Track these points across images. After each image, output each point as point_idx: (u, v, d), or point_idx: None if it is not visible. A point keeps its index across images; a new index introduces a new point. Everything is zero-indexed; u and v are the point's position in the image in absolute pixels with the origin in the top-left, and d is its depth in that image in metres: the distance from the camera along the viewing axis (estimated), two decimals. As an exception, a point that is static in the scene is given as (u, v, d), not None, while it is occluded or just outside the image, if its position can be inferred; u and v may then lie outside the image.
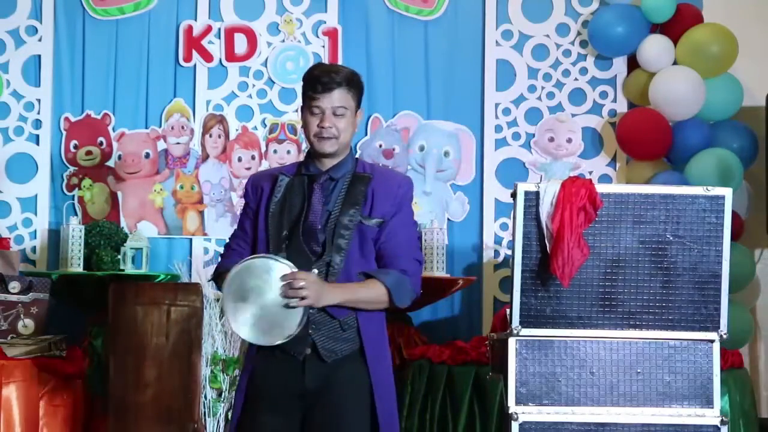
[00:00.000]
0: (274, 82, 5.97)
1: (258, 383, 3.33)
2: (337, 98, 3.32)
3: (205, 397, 5.45)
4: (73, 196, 5.85)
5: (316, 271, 3.19)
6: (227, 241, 3.51)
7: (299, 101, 6.02)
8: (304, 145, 5.89)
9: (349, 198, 3.30)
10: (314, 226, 3.28)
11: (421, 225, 5.85)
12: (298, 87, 6.05)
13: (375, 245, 3.31)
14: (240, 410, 3.35)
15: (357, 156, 3.66)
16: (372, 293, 3.26)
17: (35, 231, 5.84)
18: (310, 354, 3.25)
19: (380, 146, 5.95)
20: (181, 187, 5.89)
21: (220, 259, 3.55)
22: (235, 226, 3.55)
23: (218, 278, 3.44)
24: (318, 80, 3.30)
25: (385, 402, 3.28)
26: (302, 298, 3.13)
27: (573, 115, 6.02)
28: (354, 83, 3.37)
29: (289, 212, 3.33)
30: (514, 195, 3.55)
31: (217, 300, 5.75)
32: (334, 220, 3.28)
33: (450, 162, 5.99)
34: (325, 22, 6.00)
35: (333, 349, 3.26)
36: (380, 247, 3.31)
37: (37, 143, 5.87)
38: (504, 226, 5.94)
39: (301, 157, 3.88)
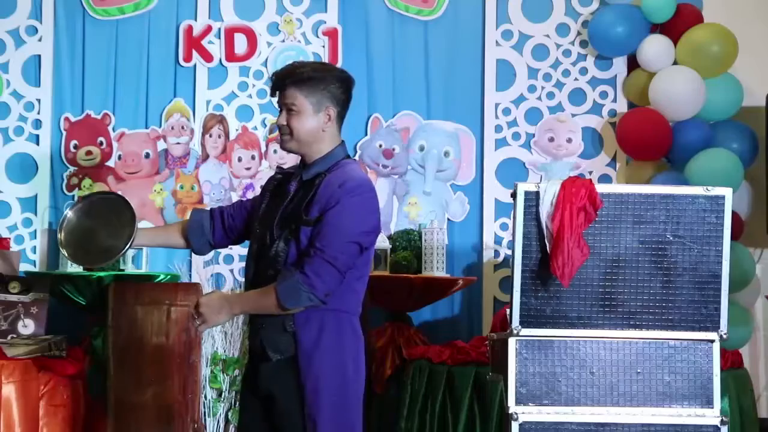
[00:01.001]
0: (274, 83, 5.97)
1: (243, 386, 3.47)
2: (286, 96, 3.32)
3: (205, 397, 5.45)
4: (73, 196, 5.85)
5: (212, 289, 3.28)
6: None
7: (299, 101, 6.04)
8: (304, 145, 5.90)
9: (302, 200, 3.30)
10: (269, 227, 3.32)
11: (421, 225, 5.86)
12: (298, 87, 6.07)
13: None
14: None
15: (355, 158, 3.65)
16: (267, 301, 3.25)
17: (35, 231, 5.84)
18: (261, 353, 3.32)
19: (380, 146, 5.95)
20: (181, 187, 5.88)
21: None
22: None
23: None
24: (272, 80, 3.38)
25: (315, 406, 3.24)
26: (200, 324, 3.31)
27: (573, 115, 6.02)
28: (305, 80, 3.31)
29: (266, 208, 3.41)
30: (514, 195, 3.55)
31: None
32: (283, 215, 3.30)
33: (450, 162, 5.99)
34: (325, 22, 5.99)
35: (277, 349, 3.29)
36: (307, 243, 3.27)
37: (37, 143, 5.87)
38: (504, 226, 5.94)
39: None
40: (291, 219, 3.29)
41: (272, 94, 3.41)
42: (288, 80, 3.32)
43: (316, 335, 3.27)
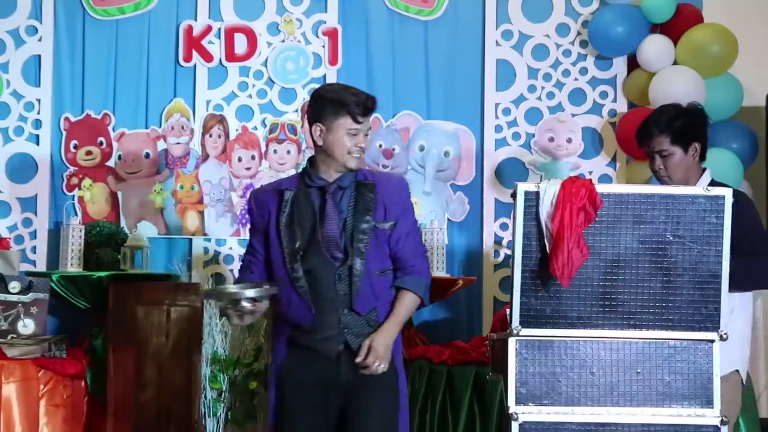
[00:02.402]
0: (274, 82, 5.97)
1: (293, 380, 3.66)
2: (368, 122, 3.70)
3: (205, 397, 5.45)
4: (73, 196, 5.85)
5: (367, 343, 3.61)
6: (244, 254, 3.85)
7: (299, 101, 6.07)
8: (305, 146, 5.91)
9: (360, 205, 3.63)
10: (332, 234, 3.61)
11: (421, 225, 5.85)
12: (299, 87, 6.12)
13: (388, 246, 3.66)
14: (275, 410, 3.69)
15: None
16: (410, 308, 3.75)
17: (35, 231, 5.84)
18: (342, 350, 3.62)
19: (380, 146, 5.95)
20: (181, 187, 5.88)
21: (239, 271, 3.88)
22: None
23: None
24: (365, 105, 3.65)
25: (401, 381, 3.73)
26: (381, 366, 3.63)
27: (573, 115, 6.02)
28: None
29: (299, 224, 3.62)
30: (514, 195, 3.55)
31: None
32: (350, 227, 3.61)
33: (450, 162, 5.99)
34: (325, 22, 6.00)
35: (362, 343, 3.62)
36: (395, 249, 3.67)
37: (37, 143, 5.87)
38: (504, 226, 5.94)
39: (302, 163, 4.02)
40: (358, 231, 3.62)
41: (357, 116, 3.66)
42: (375, 110, 3.73)
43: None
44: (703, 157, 4.16)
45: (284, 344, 3.71)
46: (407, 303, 3.71)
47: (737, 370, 3.96)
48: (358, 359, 3.57)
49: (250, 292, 3.50)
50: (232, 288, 3.64)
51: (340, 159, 3.63)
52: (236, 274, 5.81)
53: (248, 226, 3.87)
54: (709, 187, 3.57)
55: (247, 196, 5.74)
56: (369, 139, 3.72)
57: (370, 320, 3.65)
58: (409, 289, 3.70)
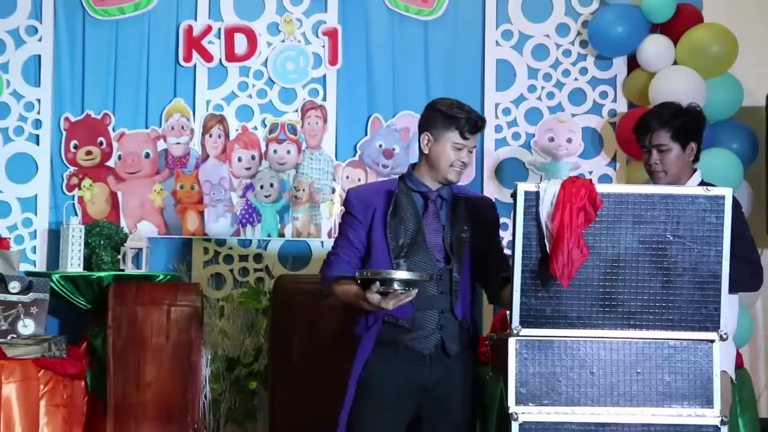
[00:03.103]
0: (274, 82, 5.97)
1: (377, 378, 3.75)
2: (476, 139, 3.87)
3: (205, 397, 5.45)
4: (73, 196, 5.85)
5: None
6: (332, 250, 3.90)
7: (299, 101, 6.07)
8: (305, 146, 5.91)
9: (457, 217, 3.83)
10: (434, 237, 3.80)
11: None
12: (299, 87, 6.12)
13: (479, 255, 3.85)
14: (353, 401, 3.77)
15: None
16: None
17: (35, 231, 5.84)
18: (434, 351, 3.77)
19: (380, 146, 5.95)
20: (181, 187, 5.88)
21: (329, 265, 3.88)
22: (337, 237, 3.95)
23: (327, 280, 3.86)
24: (474, 123, 3.81)
25: (473, 390, 3.92)
26: None
27: (573, 115, 6.02)
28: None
29: (402, 224, 3.78)
30: (514, 195, 3.55)
31: (218, 300, 5.76)
32: (449, 235, 3.81)
33: (450, 162, 5.98)
34: (325, 22, 5.99)
35: (454, 345, 3.80)
36: (490, 258, 3.87)
37: (37, 143, 5.87)
38: (504, 226, 5.93)
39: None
40: (457, 240, 3.81)
41: (465, 133, 3.82)
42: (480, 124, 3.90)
43: (476, 328, 3.97)
44: (696, 159, 4.19)
45: (373, 340, 3.78)
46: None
47: (725, 371, 3.95)
48: None
49: (405, 275, 3.57)
50: (389, 270, 3.64)
51: (443, 170, 3.81)
52: (237, 275, 5.87)
53: (342, 222, 3.93)
54: (709, 187, 3.57)
55: (248, 196, 5.80)
56: (473, 157, 3.93)
57: (463, 325, 3.84)
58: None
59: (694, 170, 4.19)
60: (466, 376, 3.88)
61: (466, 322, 3.87)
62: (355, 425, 3.74)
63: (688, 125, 4.15)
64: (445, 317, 3.79)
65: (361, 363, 3.78)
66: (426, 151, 3.84)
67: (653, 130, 4.14)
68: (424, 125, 3.86)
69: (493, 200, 4.11)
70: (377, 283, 3.53)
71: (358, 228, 3.83)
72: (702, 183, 4.07)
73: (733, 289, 3.69)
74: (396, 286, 3.53)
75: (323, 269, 3.88)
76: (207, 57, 5.92)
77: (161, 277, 5.49)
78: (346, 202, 3.91)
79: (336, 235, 4.03)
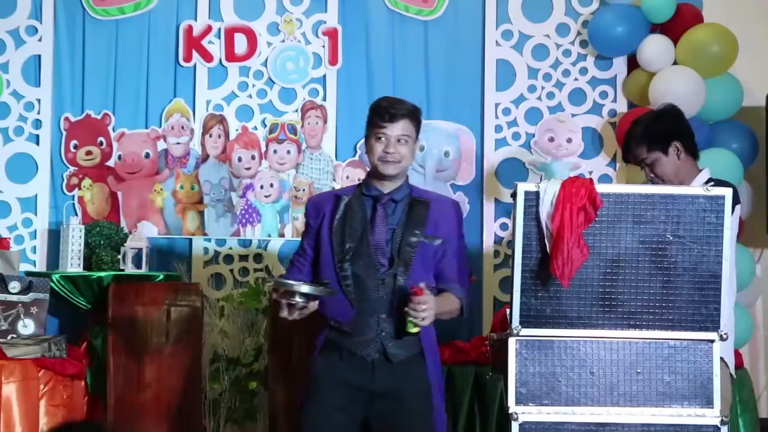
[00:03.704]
0: (274, 82, 5.97)
1: (322, 381, 3.73)
2: (400, 128, 3.75)
3: (205, 397, 5.45)
4: (73, 196, 5.85)
5: (423, 285, 3.59)
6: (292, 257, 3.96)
7: (299, 101, 6.08)
8: (305, 146, 5.91)
9: (412, 219, 3.75)
10: (380, 241, 3.73)
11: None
12: (299, 87, 6.12)
13: (434, 261, 3.76)
14: (307, 399, 3.76)
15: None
16: (453, 306, 3.76)
17: (35, 231, 5.84)
18: (378, 357, 3.69)
19: (380, 146, 5.94)
20: (181, 187, 5.88)
21: (286, 272, 3.99)
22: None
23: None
24: (386, 111, 3.75)
25: (438, 398, 3.76)
26: (423, 319, 3.59)
27: (573, 115, 6.02)
28: (416, 116, 3.81)
29: (350, 228, 3.75)
30: (514, 195, 3.55)
31: (218, 300, 5.76)
32: (399, 238, 3.73)
33: (450, 162, 5.99)
34: (325, 22, 5.99)
35: (398, 351, 3.70)
36: (441, 266, 3.77)
37: (37, 143, 5.87)
38: (504, 226, 5.94)
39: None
40: (406, 243, 3.72)
41: (381, 122, 3.76)
42: (404, 110, 3.78)
43: (433, 334, 3.81)
44: (692, 154, 4.17)
45: (321, 344, 3.78)
46: (449, 299, 3.76)
47: (722, 358, 3.92)
48: (414, 300, 3.57)
49: (306, 288, 3.58)
50: (290, 282, 3.65)
51: (376, 165, 3.77)
52: (237, 275, 5.87)
53: (302, 230, 4.01)
54: (709, 187, 3.57)
55: (248, 196, 5.80)
56: (413, 149, 3.79)
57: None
58: (450, 291, 3.78)
59: (700, 169, 4.18)
60: (418, 386, 3.73)
61: None
62: (303, 425, 3.75)
63: (657, 131, 4.17)
64: (385, 322, 3.70)
65: (312, 365, 3.79)
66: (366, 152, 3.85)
67: (631, 151, 4.21)
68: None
69: (458, 203, 3.98)
70: (282, 292, 3.59)
71: (311, 235, 3.85)
72: (710, 180, 4.06)
73: None
74: (298, 298, 3.57)
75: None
76: (207, 57, 5.92)
77: (161, 277, 5.49)
78: (305, 210, 3.95)
79: None
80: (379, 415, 3.70)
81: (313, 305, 3.63)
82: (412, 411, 3.68)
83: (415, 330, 3.63)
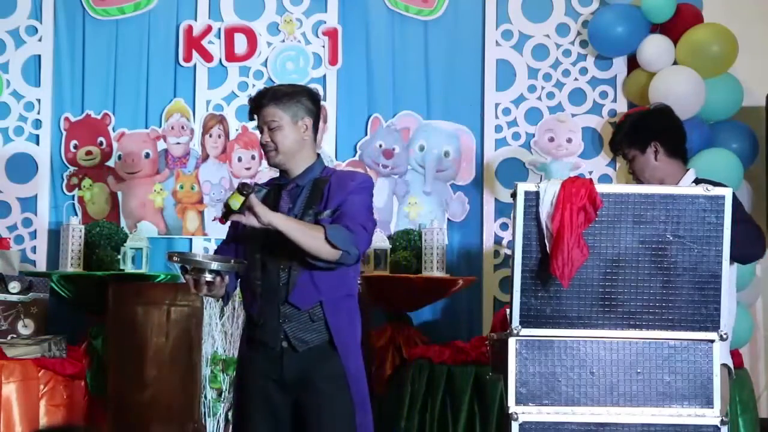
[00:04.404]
0: (274, 82, 5.96)
1: (243, 372, 3.67)
2: (266, 116, 3.63)
3: (205, 397, 5.45)
4: (73, 196, 5.85)
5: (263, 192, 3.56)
6: None
7: (299, 101, 6.03)
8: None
9: (311, 200, 3.63)
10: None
11: (421, 225, 5.86)
12: (298, 87, 6.07)
13: None
14: (235, 406, 3.69)
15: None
16: (314, 230, 3.49)
17: (35, 231, 5.84)
18: (286, 346, 3.56)
19: (380, 146, 5.95)
20: (181, 187, 5.89)
21: None
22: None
23: None
24: (250, 105, 3.69)
25: (358, 389, 3.58)
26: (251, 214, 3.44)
27: (573, 115, 6.02)
28: (277, 96, 3.64)
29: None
30: (514, 195, 3.54)
31: (218, 300, 5.75)
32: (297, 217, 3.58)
33: (450, 162, 5.99)
34: (325, 22, 6.00)
35: (304, 339, 3.56)
36: (335, 219, 3.57)
37: (37, 143, 5.87)
38: (504, 226, 5.94)
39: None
40: (304, 217, 3.58)
41: (251, 118, 3.70)
42: (265, 99, 3.63)
43: (348, 321, 3.60)
44: (677, 155, 4.15)
45: (243, 334, 3.76)
46: (312, 227, 3.52)
47: (725, 364, 3.93)
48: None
49: (214, 265, 3.47)
50: (199, 257, 3.58)
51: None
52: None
53: None
54: (709, 187, 3.57)
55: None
56: (295, 130, 3.61)
57: (314, 316, 3.56)
58: (324, 226, 3.53)
59: (687, 170, 4.18)
60: (327, 373, 3.56)
61: (321, 313, 3.57)
62: (233, 417, 3.72)
63: (639, 129, 4.17)
64: (286, 309, 3.56)
65: (239, 362, 3.76)
66: None
67: (616, 143, 4.23)
68: None
69: (360, 173, 3.83)
70: (182, 264, 3.49)
71: (232, 226, 3.75)
72: (699, 181, 4.05)
73: (742, 251, 3.75)
74: (207, 274, 3.45)
75: None
76: (207, 57, 5.92)
77: (161, 277, 5.49)
78: None
79: None
80: (298, 407, 3.58)
81: (224, 282, 3.53)
82: (324, 398, 3.54)
83: (234, 202, 3.44)
